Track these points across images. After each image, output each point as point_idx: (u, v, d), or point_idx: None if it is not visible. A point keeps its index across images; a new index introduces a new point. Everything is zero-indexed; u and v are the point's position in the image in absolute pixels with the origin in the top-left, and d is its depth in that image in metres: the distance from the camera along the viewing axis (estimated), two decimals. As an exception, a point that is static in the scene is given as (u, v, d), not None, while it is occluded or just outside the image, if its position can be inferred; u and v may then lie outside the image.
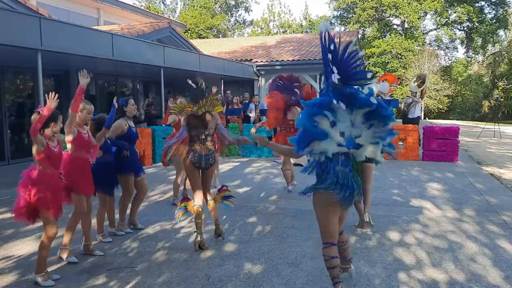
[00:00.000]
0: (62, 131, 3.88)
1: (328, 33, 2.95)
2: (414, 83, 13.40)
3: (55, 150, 3.64)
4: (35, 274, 3.62)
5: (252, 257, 4.19)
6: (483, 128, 18.74)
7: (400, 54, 36.96)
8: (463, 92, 38.08)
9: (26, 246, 4.57)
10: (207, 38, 37.59)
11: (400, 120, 13.93)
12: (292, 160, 9.07)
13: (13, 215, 3.59)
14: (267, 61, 17.89)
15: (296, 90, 6.86)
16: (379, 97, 14.16)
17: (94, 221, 4.98)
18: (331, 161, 3.08)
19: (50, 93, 3.51)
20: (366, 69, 3.18)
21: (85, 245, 4.30)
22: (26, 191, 3.51)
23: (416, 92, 12.84)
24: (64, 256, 4.09)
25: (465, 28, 39.91)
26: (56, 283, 3.62)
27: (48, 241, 3.61)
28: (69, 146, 4.03)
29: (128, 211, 5.15)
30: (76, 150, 4.03)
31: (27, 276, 3.75)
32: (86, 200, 4.18)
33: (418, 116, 12.68)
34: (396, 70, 35.86)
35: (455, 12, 38.25)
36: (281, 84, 6.97)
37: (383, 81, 16.64)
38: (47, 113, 3.47)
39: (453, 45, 42.24)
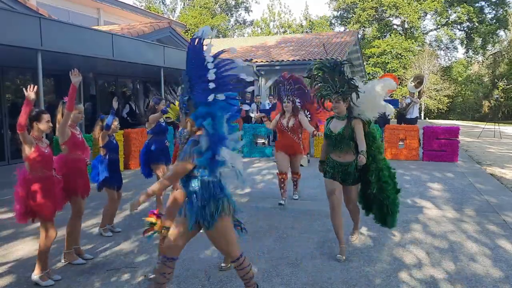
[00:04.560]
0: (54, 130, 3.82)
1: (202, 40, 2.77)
2: (411, 83, 13.41)
3: (46, 151, 3.58)
4: (34, 275, 3.61)
5: (252, 257, 4.18)
6: (483, 128, 18.75)
7: (400, 54, 36.99)
8: (463, 92, 38.11)
9: (26, 246, 4.57)
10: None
11: (395, 120, 13.97)
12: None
13: (15, 219, 3.57)
14: (267, 61, 17.89)
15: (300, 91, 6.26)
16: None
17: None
18: None
19: (29, 85, 3.39)
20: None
21: (75, 249, 4.19)
22: (23, 194, 3.48)
23: (414, 93, 12.84)
24: (69, 259, 4.07)
25: (465, 28, 39.91)
26: (56, 283, 3.62)
27: (45, 244, 3.58)
28: (63, 147, 3.99)
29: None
30: (70, 151, 3.99)
31: (27, 276, 3.75)
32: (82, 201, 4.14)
33: (417, 117, 12.69)
34: (396, 70, 35.87)
35: (455, 12, 38.27)
36: (284, 87, 6.29)
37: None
38: (29, 106, 3.36)
39: (453, 45, 42.30)
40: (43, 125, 3.59)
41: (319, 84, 4.16)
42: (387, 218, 4.08)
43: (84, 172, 4.12)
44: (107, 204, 4.95)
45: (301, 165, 9.94)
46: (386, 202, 4.02)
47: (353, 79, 4.06)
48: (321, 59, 4.21)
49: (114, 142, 4.87)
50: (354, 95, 4.00)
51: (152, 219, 3.43)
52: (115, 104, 4.81)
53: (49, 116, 3.67)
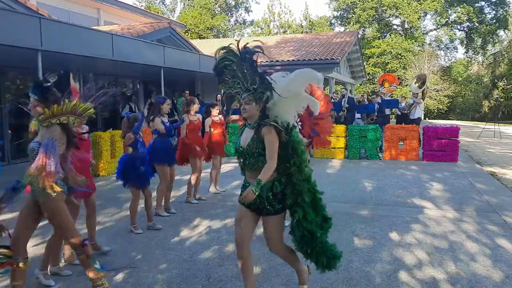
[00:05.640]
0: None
1: None
2: (414, 84, 13.39)
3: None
4: (39, 270, 3.61)
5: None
6: (483, 128, 18.75)
7: (400, 54, 37.01)
8: (463, 92, 38.10)
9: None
10: (207, 38, 37.59)
11: (394, 121, 13.96)
12: None
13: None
14: (267, 61, 17.89)
15: None
16: (379, 97, 14.21)
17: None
18: None
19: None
20: None
21: (91, 244, 4.29)
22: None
23: (417, 93, 12.84)
24: (69, 258, 4.08)
25: (465, 28, 39.97)
26: (56, 283, 3.62)
27: (57, 238, 3.60)
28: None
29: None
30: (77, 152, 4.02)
31: (27, 276, 3.74)
32: (89, 200, 4.20)
33: (419, 117, 12.69)
34: (396, 70, 35.87)
35: (455, 12, 38.31)
36: None
37: (383, 81, 16.63)
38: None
39: (453, 45, 42.35)
40: None
41: (227, 81, 3.09)
42: (317, 258, 3.08)
43: (87, 171, 4.13)
44: (131, 202, 5.03)
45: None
46: (306, 238, 2.99)
47: (267, 72, 3.02)
48: (227, 46, 3.07)
49: (141, 140, 4.93)
50: (274, 93, 2.96)
51: (6, 251, 3.05)
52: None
53: None
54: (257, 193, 2.86)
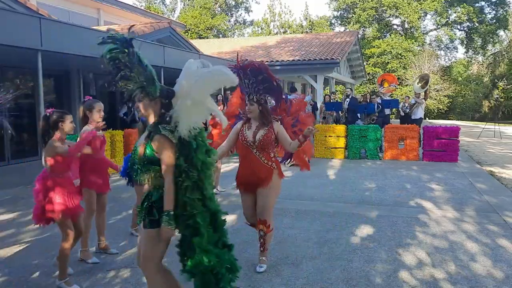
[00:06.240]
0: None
1: None
2: (417, 84, 13.38)
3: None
4: (59, 280, 3.57)
5: (252, 257, 4.18)
6: (483, 128, 18.74)
7: (400, 54, 36.99)
8: (463, 92, 38.09)
9: (26, 247, 4.57)
10: (207, 38, 37.60)
11: (398, 121, 13.95)
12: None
13: (34, 221, 3.60)
14: (267, 61, 17.89)
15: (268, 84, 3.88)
16: (379, 97, 14.20)
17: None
18: None
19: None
20: None
21: (99, 244, 4.34)
22: (41, 198, 3.48)
23: (419, 93, 12.83)
24: (85, 257, 4.09)
25: (465, 28, 39.95)
26: (54, 283, 3.61)
27: (68, 246, 3.56)
28: (86, 150, 4.00)
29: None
30: (92, 153, 4.03)
31: (27, 276, 3.74)
32: (101, 197, 4.22)
33: (421, 117, 12.69)
34: (396, 70, 35.85)
35: (455, 12, 38.30)
36: (242, 81, 3.84)
37: (382, 81, 16.62)
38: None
39: (453, 45, 42.33)
40: (67, 125, 3.57)
41: (120, 74, 2.42)
42: None
43: (102, 169, 4.17)
44: (136, 202, 4.97)
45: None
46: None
47: (145, 63, 2.48)
48: (113, 35, 2.39)
49: None
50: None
51: None
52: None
53: (71, 116, 3.64)
54: (173, 227, 2.46)
